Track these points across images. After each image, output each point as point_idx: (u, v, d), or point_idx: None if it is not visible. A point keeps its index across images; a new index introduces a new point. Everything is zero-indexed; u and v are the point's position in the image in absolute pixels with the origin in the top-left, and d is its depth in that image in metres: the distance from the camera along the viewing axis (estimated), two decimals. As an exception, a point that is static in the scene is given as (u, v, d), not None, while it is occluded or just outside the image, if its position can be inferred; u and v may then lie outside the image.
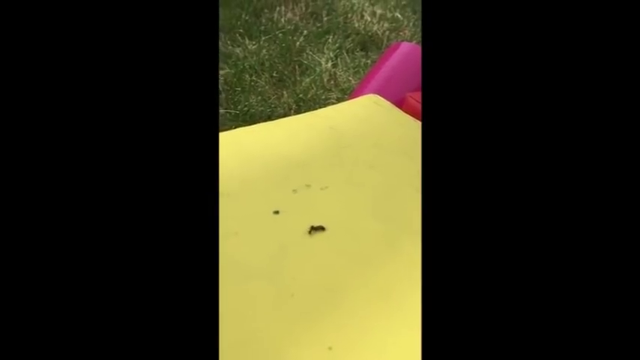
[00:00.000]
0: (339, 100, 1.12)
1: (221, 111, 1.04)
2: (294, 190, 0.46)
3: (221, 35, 1.26)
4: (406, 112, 0.62)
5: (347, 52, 1.28)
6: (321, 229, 0.42)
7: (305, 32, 1.32)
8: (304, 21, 1.38)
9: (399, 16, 1.46)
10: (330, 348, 0.33)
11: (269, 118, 1.03)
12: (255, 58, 1.19)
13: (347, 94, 1.13)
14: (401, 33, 1.40)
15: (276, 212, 0.43)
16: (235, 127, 0.62)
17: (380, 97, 0.65)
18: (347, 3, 1.48)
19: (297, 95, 1.10)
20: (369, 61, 1.25)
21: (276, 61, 1.20)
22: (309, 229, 0.42)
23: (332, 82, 1.18)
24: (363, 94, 0.70)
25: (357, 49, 1.30)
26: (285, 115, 1.04)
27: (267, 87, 1.12)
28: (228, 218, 0.41)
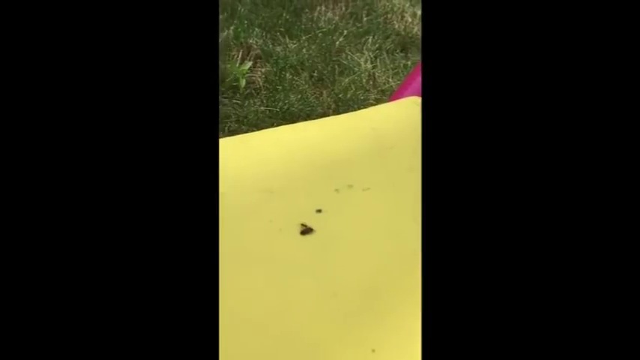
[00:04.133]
0: (377, 101, 1.11)
1: (261, 108, 1.05)
2: (337, 190, 0.46)
3: (262, 33, 1.28)
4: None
5: (387, 53, 1.27)
6: (310, 230, 0.41)
7: (345, 32, 1.32)
8: (344, 21, 1.38)
9: (441, 17, 1.43)
10: (373, 350, 0.33)
11: (308, 116, 1.04)
12: (295, 57, 1.20)
13: (386, 95, 1.12)
14: (442, 35, 1.38)
15: (319, 211, 0.44)
16: (275, 125, 0.62)
17: (423, 100, 0.64)
18: (387, 3, 1.47)
19: (337, 95, 1.10)
20: (409, 63, 1.23)
21: (316, 60, 1.21)
22: (301, 229, 0.41)
23: (371, 82, 1.17)
24: (404, 97, 0.69)
25: (397, 50, 1.29)
26: (324, 115, 1.04)
27: (306, 86, 1.13)
28: (274, 215, 0.42)
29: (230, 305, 0.35)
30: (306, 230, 0.41)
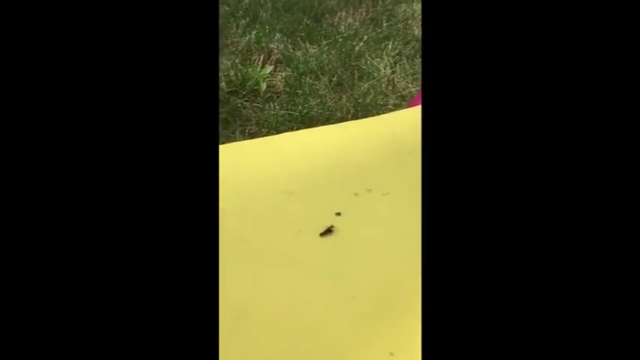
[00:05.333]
0: (396, 106, 1.11)
1: (281, 112, 1.07)
2: (356, 194, 0.47)
3: (283, 38, 1.29)
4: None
5: (406, 59, 1.27)
6: (329, 231, 0.41)
7: (365, 38, 1.32)
8: (364, 26, 1.39)
9: (462, 23, 1.43)
10: (391, 354, 0.33)
11: (327, 120, 1.05)
12: (315, 62, 1.21)
13: (405, 100, 1.13)
14: (462, 41, 1.38)
15: (338, 214, 0.44)
16: (295, 129, 0.64)
17: (443, 106, 0.64)
18: (407, 9, 1.47)
19: (356, 100, 1.11)
20: (428, 69, 1.23)
21: (336, 65, 1.22)
22: (323, 231, 0.41)
23: (390, 87, 1.18)
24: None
25: (417, 56, 1.29)
26: (343, 119, 1.05)
27: (326, 91, 1.14)
28: (293, 216, 0.43)
29: (248, 304, 0.35)
30: (325, 231, 0.42)
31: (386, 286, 0.38)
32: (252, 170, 0.47)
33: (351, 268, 0.39)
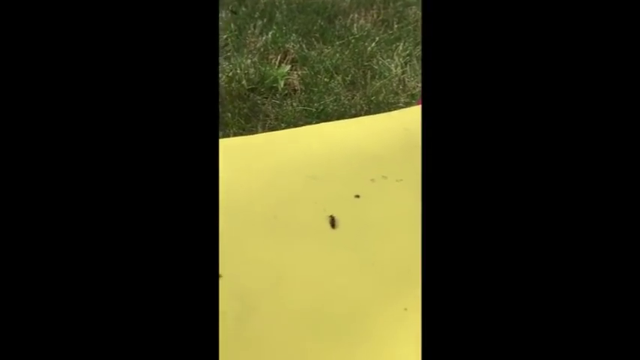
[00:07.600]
0: (406, 104, 1.17)
1: (299, 108, 1.12)
2: (372, 180, 0.53)
3: (298, 39, 1.35)
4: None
5: (416, 59, 1.32)
6: (333, 222, 0.46)
7: (376, 39, 1.38)
8: (376, 28, 1.44)
9: (470, 25, 1.47)
10: (405, 309, 0.39)
11: (342, 117, 1.10)
12: (329, 62, 1.27)
13: (415, 98, 1.18)
14: (470, 42, 1.42)
15: (357, 196, 0.50)
16: (312, 124, 0.69)
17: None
18: (418, 11, 1.52)
19: (369, 98, 1.17)
20: (437, 69, 1.28)
21: (349, 64, 1.27)
22: (329, 219, 0.46)
23: (401, 87, 1.23)
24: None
25: (426, 57, 1.34)
26: (357, 115, 1.11)
27: (340, 89, 1.19)
28: (318, 197, 0.49)
29: (283, 271, 0.41)
30: (333, 222, 0.46)
31: (399, 255, 0.44)
32: (279, 158, 0.53)
33: (371, 241, 0.45)
